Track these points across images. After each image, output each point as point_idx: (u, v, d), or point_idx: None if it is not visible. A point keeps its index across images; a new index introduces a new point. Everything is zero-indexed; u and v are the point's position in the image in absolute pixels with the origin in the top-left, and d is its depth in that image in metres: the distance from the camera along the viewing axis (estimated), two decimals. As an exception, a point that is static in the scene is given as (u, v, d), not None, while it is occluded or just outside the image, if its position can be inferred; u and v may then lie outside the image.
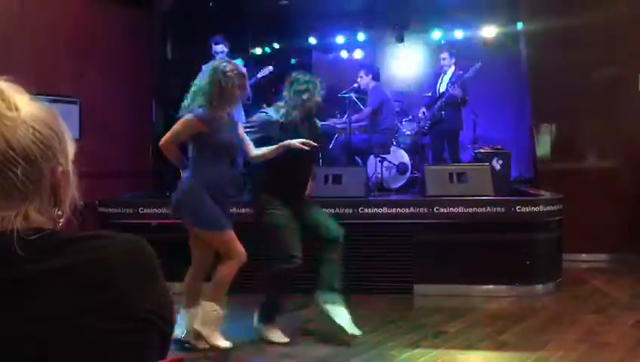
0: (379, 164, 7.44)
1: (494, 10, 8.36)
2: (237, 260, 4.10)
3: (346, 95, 7.76)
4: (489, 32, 8.61)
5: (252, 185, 4.73)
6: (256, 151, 4.26)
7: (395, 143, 7.80)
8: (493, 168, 6.50)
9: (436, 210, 5.80)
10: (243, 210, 5.28)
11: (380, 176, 7.40)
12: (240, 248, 4.11)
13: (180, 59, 7.97)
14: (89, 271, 0.93)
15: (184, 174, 4.18)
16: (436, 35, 8.98)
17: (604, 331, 4.63)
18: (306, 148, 4.17)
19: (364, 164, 7.56)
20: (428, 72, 8.94)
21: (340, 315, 4.36)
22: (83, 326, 0.91)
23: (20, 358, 0.89)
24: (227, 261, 4.12)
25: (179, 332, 4.16)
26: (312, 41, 9.47)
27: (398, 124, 8.05)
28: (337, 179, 6.17)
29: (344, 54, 9.97)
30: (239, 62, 7.35)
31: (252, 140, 4.31)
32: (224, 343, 4.17)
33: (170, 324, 1.04)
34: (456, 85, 7.41)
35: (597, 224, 7.03)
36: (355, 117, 7.75)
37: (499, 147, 7.21)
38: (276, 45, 9.38)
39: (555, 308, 5.38)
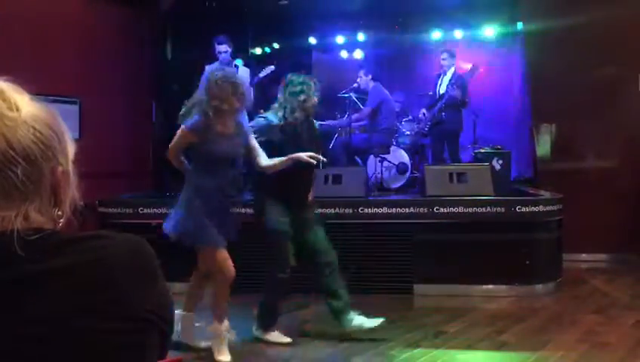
0: (379, 163, 7.44)
1: (494, 10, 8.35)
2: (226, 281, 4.06)
3: (346, 95, 7.76)
4: (489, 32, 8.60)
5: (253, 185, 4.73)
6: (266, 162, 4.20)
7: (395, 143, 7.80)
8: (493, 168, 6.50)
9: (436, 210, 5.80)
10: (243, 210, 5.28)
11: (379, 176, 7.40)
12: (230, 267, 4.05)
13: (180, 59, 7.98)
14: (89, 271, 0.93)
15: (181, 194, 4.14)
16: (436, 35, 8.98)
17: (604, 331, 4.63)
18: (313, 161, 4.16)
19: (364, 163, 7.56)
20: (428, 72, 8.93)
21: (366, 321, 4.41)
22: (83, 326, 0.91)
23: (20, 358, 0.89)
24: (216, 282, 4.11)
25: (174, 334, 4.15)
26: (312, 41, 9.46)
27: (398, 124, 8.05)
28: (337, 179, 6.16)
29: (344, 54, 9.96)
30: (239, 62, 7.36)
31: None
32: (226, 358, 4.11)
33: (170, 324, 1.04)
34: (455, 86, 7.40)
35: (597, 224, 7.03)
36: (354, 116, 7.76)
37: (499, 147, 7.21)
38: (276, 45, 9.37)
39: (555, 308, 5.38)
